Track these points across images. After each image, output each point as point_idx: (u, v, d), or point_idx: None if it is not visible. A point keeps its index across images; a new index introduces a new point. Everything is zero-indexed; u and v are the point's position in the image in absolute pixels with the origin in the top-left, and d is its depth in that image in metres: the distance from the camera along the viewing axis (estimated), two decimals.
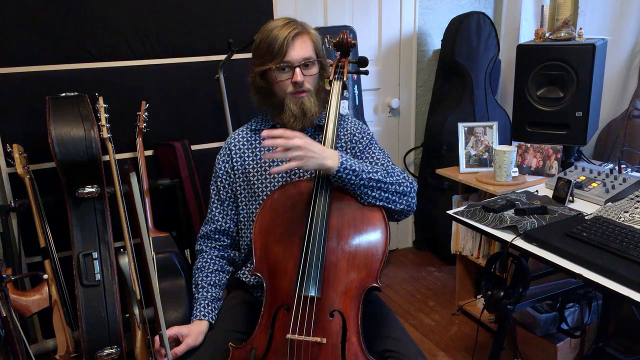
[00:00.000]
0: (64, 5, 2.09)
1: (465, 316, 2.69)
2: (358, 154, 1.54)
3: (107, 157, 2.08)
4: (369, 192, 1.37)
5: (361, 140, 1.54)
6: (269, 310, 1.32)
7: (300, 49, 1.42)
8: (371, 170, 1.37)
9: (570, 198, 1.85)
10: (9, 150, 1.98)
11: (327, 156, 1.31)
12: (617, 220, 1.61)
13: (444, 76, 3.17)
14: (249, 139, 1.57)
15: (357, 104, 2.96)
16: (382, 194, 1.38)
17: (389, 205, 1.39)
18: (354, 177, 1.34)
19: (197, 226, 2.24)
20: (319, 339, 1.24)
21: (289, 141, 1.27)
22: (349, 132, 1.55)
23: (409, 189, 1.42)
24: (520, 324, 2.26)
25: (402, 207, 1.41)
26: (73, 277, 1.85)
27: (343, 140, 1.55)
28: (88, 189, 1.89)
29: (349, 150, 1.54)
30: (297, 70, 1.42)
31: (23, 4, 2.04)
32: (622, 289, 1.30)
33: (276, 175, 1.52)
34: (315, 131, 1.55)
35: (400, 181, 1.40)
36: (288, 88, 1.44)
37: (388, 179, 1.38)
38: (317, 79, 1.48)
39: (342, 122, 1.56)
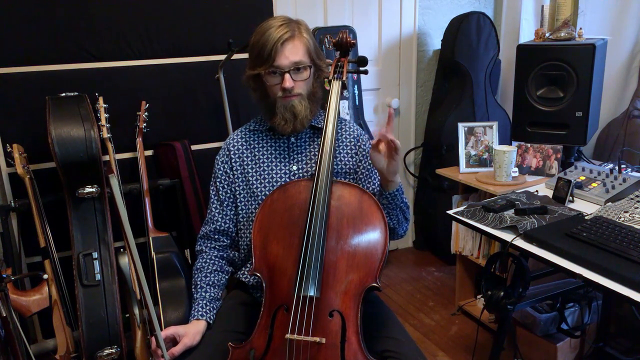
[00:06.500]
0: (64, 5, 2.10)
1: (465, 316, 2.68)
2: (361, 157, 1.54)
3: (107, 157, 2.08)
4: (397, 213, 1.45)
5: (363, 146, 1.55)
6: (268, 310, 1.32)
7: (290, 54, 1.41)
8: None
9: (570, 198, 1.85)
10: (9, 150, 1.99)
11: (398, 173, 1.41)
12: (617, 220, 1.60)
13: (444, 76, 3.17)
14: (248, 139, 1.57)
15: (357, 104, 2.96)
16: (401, 216, 1.47)
17: (397, 227, 1.48)
18: (399, 198, 1.43)
19: (197, 226, 2.24)
20: (318, 339, 1.24)
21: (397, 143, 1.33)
22: (352, 135, 1.56)
23: (409, 215, 1.51)
24: (520, 324, 2.26)
25: (402, 232, 1.51)
26: (73, 277, 1.85)
27: (348, 140, 1.55)
28: (88, 189, 1.89)
29: (352, 154, 1.55)
30: (287, 75, 1.41)
31: (23, 4, 2.04)
32: (622, 289, 1.30)
33: (274, 176, 1.53)
34: (315, 133, 1.56)
35: (408, 207, 1.50)
36: (278, 92, 1.44)
37: (408, 204, 1.49)
38: (310, 82, 1.47)
39: (343, 125, 1.57)
